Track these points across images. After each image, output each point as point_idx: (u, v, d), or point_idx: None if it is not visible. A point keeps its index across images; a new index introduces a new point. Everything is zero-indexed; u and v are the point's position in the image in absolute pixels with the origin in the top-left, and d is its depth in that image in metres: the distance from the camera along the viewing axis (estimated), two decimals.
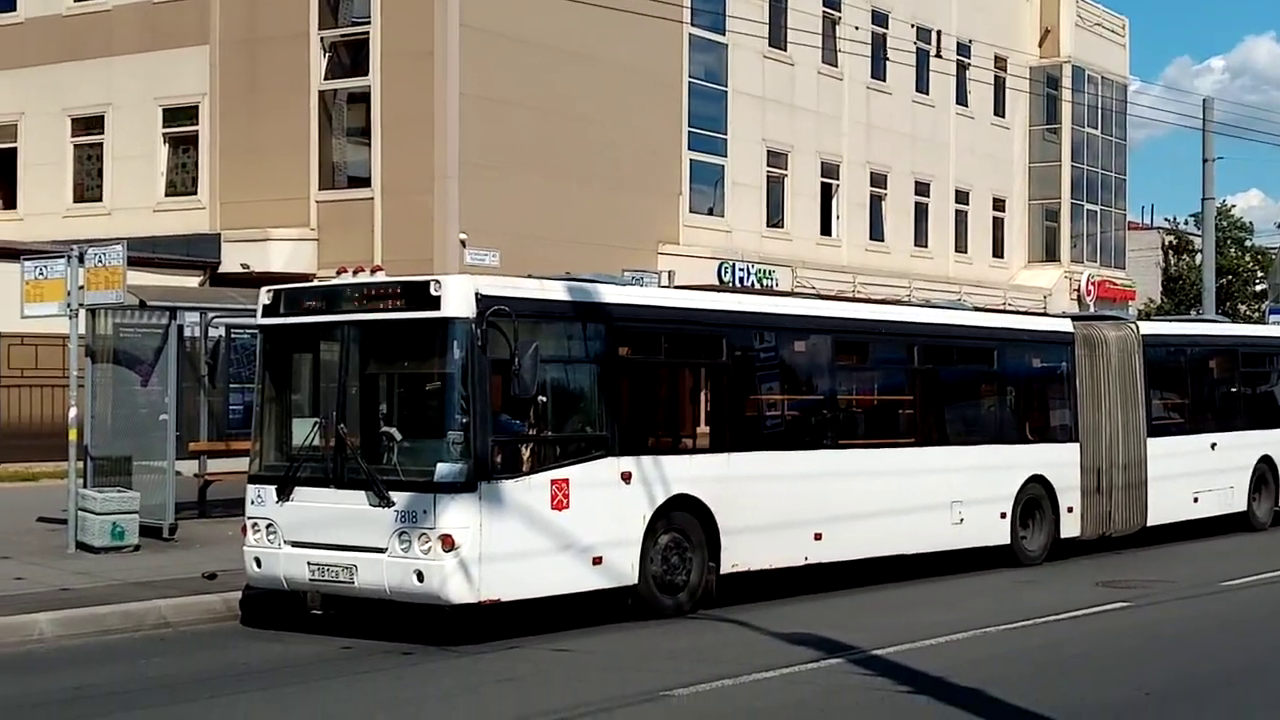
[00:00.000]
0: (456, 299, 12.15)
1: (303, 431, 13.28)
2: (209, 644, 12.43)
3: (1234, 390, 22.41)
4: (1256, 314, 57.13)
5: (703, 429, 14.57)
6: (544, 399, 12.72)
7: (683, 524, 13.72)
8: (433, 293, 12.23)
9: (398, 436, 12.56)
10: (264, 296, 13.62)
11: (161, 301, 18.20)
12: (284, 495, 12.80)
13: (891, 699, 10.15)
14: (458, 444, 12.07)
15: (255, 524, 12.96)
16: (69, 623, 12.52)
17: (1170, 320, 30.70)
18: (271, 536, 12.82)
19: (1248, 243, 76.11)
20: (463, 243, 30.57)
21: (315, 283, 14.00)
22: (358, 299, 12.83)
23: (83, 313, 16.48)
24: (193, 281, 29.25)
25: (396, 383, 13.27)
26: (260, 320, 13.59)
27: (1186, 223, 72.47)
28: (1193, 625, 13.93)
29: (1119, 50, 55.85)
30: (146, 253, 26.55)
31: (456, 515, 11.89)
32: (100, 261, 15.88)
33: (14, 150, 37.81)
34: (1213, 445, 21.08)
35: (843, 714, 9.91)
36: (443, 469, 12.03)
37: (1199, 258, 45.48)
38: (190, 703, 10.20)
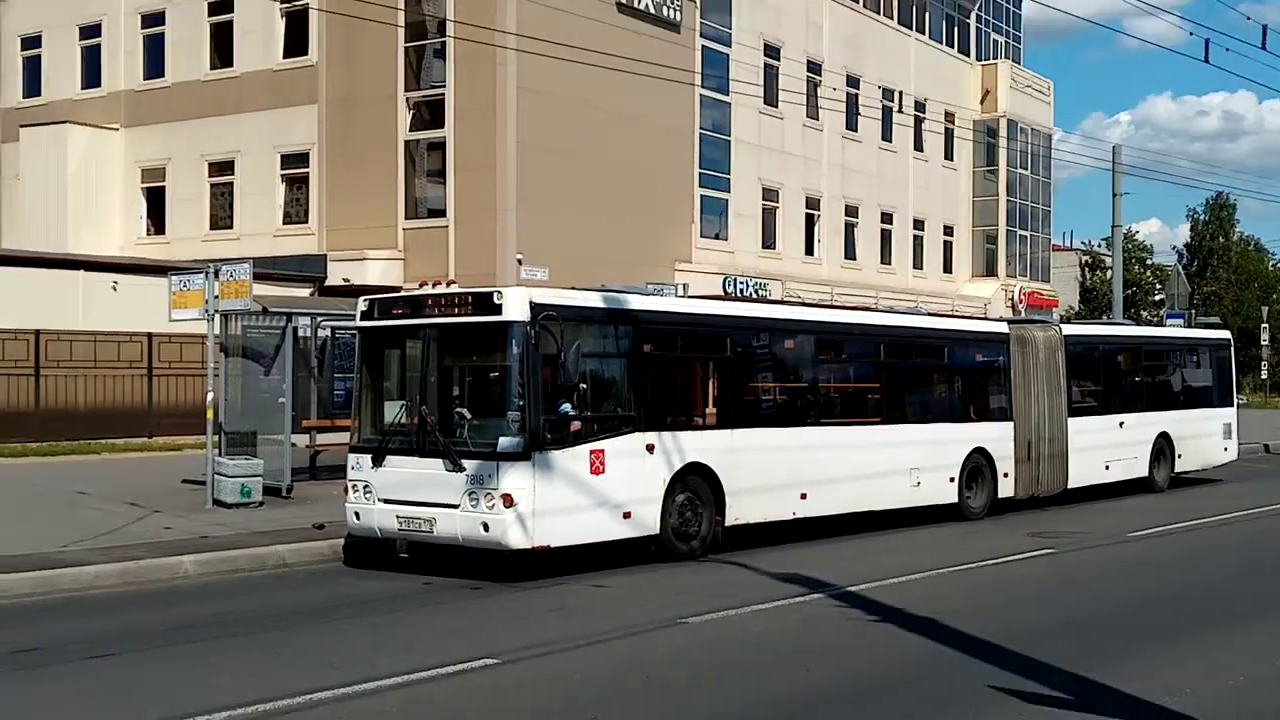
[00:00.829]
0: (514, 306, 12.20)
1: (392, 411, 13.36)
2: (318, 581, 12.54)
3: (1137, 379, 22.32)
4: (1155, 318, 56.87)
5: (710, 410, 14.55)
6: (584, 386, 12.76)
7: (695, 486, 13.72)
8: (495, 301, 12.29)
9: (468, 416, 12.64)
10: (361, 304, 13.71)
11: (279, 308, 18.29)
12: (378, 462, 12.87)
13: (861, 626, 10.19)
14: (516, 422, 12.12)
15: (354, 485, 13.04)
16: (207, 563, 12.64)
17: (1086, 323, 30.54)
18: (368, 495, 12.90)
19: (1148, 261, 76.13)
20: (519, 261, 30.64)
21: (402, 293, 14.06)
22: (436, 306, 12.89)
23: (218, 317, 16.58)
24: (304, 292, 29.41)
25: (467, 373, 13.32)
26: (359, 323, 13.68)
27: (1099, 245, 72.40)
28: (1103, 568, 13.92)
29: (1045, 107, 55.67)
30: (268, 269, 26.68)
31: (515, 479, 11.95)
32: (231, 276, 16.00)
33: (163, 188, 38.04)
34: (1120, 424, 21.05)
35: (822, 638, 9.94)
36: (504, 442, 12.09)
37: (1109, 273, 45.20)
38: (303, 626, 10.33)
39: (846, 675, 8.67)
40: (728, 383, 14.82)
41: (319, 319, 19.50)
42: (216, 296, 16.03)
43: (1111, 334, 23.11)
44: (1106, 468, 20.61)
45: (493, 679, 8.45)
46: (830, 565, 13.08)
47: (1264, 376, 63.16)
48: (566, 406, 12.52)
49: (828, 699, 7.97)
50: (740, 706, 7.72)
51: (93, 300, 27.52)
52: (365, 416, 13.47)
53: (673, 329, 14.33)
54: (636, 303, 13.86)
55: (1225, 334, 25.44)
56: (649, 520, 13.16)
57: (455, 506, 12.20)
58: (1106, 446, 20.60)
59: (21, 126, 39.39)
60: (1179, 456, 22.27)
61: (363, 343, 13.68)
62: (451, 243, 32.16)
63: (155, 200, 38.51)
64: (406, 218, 33.24)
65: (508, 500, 11.91)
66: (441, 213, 32.73)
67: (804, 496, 15.13)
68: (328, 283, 31.71)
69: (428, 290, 13.25)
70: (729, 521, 14.09)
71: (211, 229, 36.74)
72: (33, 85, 40.98)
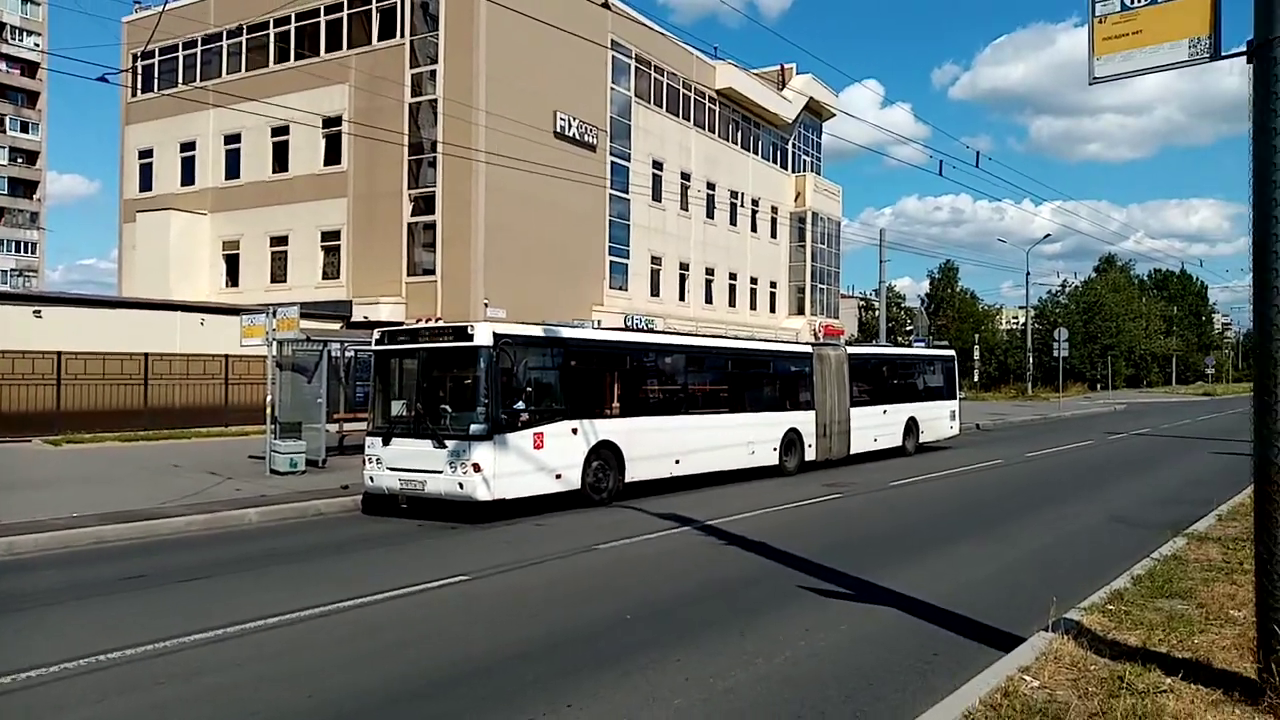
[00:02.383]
0: (483, 335, 12.09)
1: (397, 408, 13.10)
2: (344, 525, 12.20)
3: (895, 381, 22.67)
4: (907, 342, 58.29)
5: (616, 404, 14.51)
6: (530, 389, 12.68)
7: (605, 455, 13.69)
8: (469, 332, 12.17)
9: (449, 410, 12.44)
10: (376, 334, 13.46)
11: (318, 337, 17.89)
12: (386, 442, 12.62)
13: (717, 548, 10.23)
14: (482, 414, 11.97)
15: (370, 458, 12.77)
16: (266, 514, 12.24)
17: (862, 345, 31.02)
18: (379, 465, 12.64)
19: (902, 305, 77.98)
20: (486, 304, 30.31)
21: (404, 326, 13.82)
22: (428, 335, 12.70)
23: (275, 343, 16.11)
24: (336, 326, 28.71)
25: (448, 381, 13.09)
26: (374, 347, 13.40)
27: (871, 294, 73.96)
28: (873, 506, 14.09)
29: (836, 203, 56.64)
30: (310, 311, 26.00)
31: (481, 453, 11.81)
32: (285, 315, 15.59)
33: (238, 255, 36.99)
34: (884, 411, 21.46)
35: (691, 556, 9.94)
36: (474, 428, 11.93)
37: (877, 313, 46.12)
38: (333, 556, 10.04)
39: (706, 581, 8.67)
40: (627, 386, 14.81)
41: (346, 344, 19.13)
42: (274, 329, 15.60)
43: (878, 352, 23.56)
44: (875, 440, 21.00)
45: (467, 589, 8.31)
46: (696, 507, 13.14)
47: (976, 379, 65.11)
48: (518, 404, 12.41)
49: (693, 598, 7.97)
50: (633, 604, 7.69)
51: (187, 332, 26.62)
52: (378, 411, 13.21)
53: (590, 350, 14.26)
54: (565, 332, 13.79)
55: (951, 351, 26.06)
56: (574, 479, 13.10)
57: (440, 472, 12.02)
58: (875, 426, 21.00)
59: (138, 211, 38.19)
60: (922, 433, 22.76)
61: (376, 360, 13.41)
62: (439, 292, 31.73)
63: (232, 263, 37.43)
64: (408, 275, 32.73)
65: (476, 467, 11.77)
66: (432, 272, 32.27)
67: (678, 462, 15.20)
68: (352, 319, 31.01)
69: (422, 325, 13.05)
70: (628, 479, 14.07)
71: (272, 283, 35.74)
72: (145, 183, 39.67)
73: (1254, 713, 4.45)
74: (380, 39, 33.49)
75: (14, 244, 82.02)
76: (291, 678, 5.86)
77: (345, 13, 34.09)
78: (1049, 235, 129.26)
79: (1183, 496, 13.88)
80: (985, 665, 5.49)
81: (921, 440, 22.71)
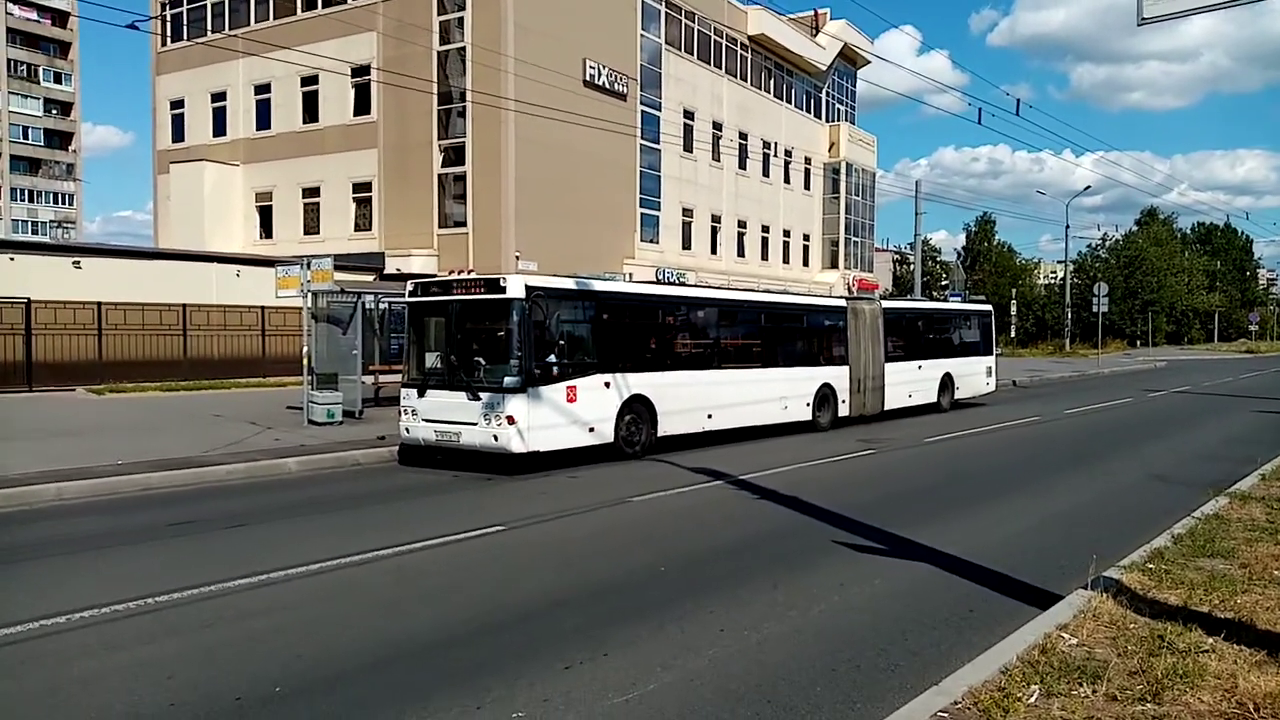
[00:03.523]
0: (515, 288, 12.11)
1: (431, 360, 13.20)
2: (381, 475, 12.40)
3: (930, 337, 22.41)
4: (942, 297, 57.60)
5: (648, 358, 14.50)
6: (562, 343, 12.73)
7: (638, 409, 13.74)
8: (502, 285, 12.19)
9: (483, 363, 12.52)
10: (409, 286, 13.54)
11: (352, 289, 18.08)
12: (421, 394, 12.76)
13: (749, 502, 10.28)
14: (515, 367, 12.05)
15: (405, 410, 12.92)
16: (305, 464, 12.47)
17: (897, 299, 30.77)
18: (414, 416, 12.80)
19: (938, 259, 76.89)
20: (517, 257, 30.39)
21: (437, 278, 13.86)
22: (460, 288, 12.74)
23: (310, 294, 16.27)
24: (369, 278, 28.92)
25: (482, 333, 13.14)
26: (407, 299, 13.48)
27: (906, 247, 72.98)
28: (908, 462, 14.05)
29: (871, 154, 55.75)
30: (344, 263, 26.25)
31: (515, 405, 11.90)
32: (319, 267, 15.73)
33: (270, 206, 37.28)
34: (919, 367, 21.28)
35: (723, 509, 9.99)
36: (508, 380, 12.02)
37: (912, 267, 45.53)
38: (371, 505, 10.22)
39: (739, 534, 8.73)
40: (659, 339, 14.81)
41: (380, 296, 19.28)
42: (309, 280, 15.76)
43: (913, 307, 23.26)
44: (910, 396, 20.86)
45: (503, 539, 8.44)
46: (729, 462, 13.18)
47: (1013, 335, 64.33)
48: (551, 357, 12.47)
49: (727, 551, 8.04)
50: (668, 556, 7.77)
51: (223, 283, 26.98)
52: (412, 363, 13.32)
53: (622, 303, 14.23)
54: (597, 285, 13.76)
55: (988, 306, 25.73)
56: (606, 432, 13.17)
57: (474, 424, 12.15)
58: (910, 382, 20.84)
59: (171, 163, 38.58)
60: (958, 389, 22.57)
61: (410, 313, 13.49)
62: (471, 244, 31.83)
63: (265, 215, 37.77)
64: (440, 227, 32.84)
65: (510, 419, 11.87)
66: (464, 223, 32.35)
67: (710, 416, 15.22)
68: (385, 271, 31.24)
69: (455, 276, 13.09)
70: (660, 433, 14.13)
71: (305, 234, 36.05)
72: (178, 134, 40.00)
73: None
74: None
75: (52, 195, 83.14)
76: (335, 621, 6.01)
77: None
78: (1089, 187, 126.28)
79: (1224, 455, 13.69)
80: (1023, 622, 5.49)
81: (957, 396, 22.53)
